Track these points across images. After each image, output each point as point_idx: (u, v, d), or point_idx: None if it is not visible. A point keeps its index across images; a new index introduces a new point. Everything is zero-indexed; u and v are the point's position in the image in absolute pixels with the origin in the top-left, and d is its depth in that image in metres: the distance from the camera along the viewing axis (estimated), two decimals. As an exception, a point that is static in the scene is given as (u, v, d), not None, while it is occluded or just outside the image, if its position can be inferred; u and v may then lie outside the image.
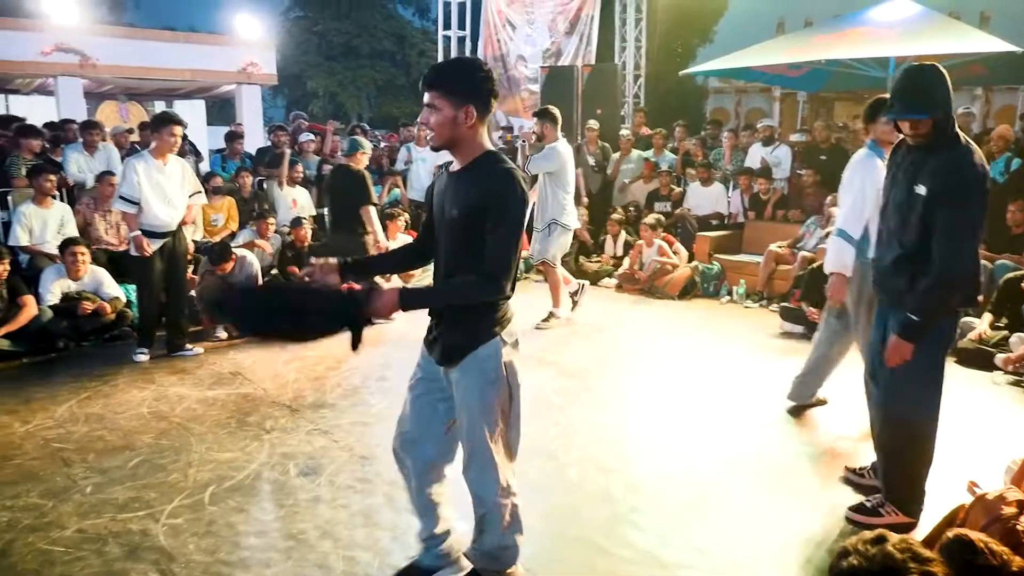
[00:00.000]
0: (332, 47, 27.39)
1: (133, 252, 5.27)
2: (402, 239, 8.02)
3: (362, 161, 6.50)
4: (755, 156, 8.95)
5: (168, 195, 5.34)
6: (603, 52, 12.87)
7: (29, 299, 5.54)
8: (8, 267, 5.50)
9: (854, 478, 3.46)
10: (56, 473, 3.56)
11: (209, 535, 3.01)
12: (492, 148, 2.34)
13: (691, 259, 8.09)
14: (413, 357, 5.33)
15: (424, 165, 9.72)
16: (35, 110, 13.03)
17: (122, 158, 7.32)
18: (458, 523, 2.74)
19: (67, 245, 5.89)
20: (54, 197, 6.46)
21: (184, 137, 5.85)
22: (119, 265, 6.19)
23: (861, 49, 7.87)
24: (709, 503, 3.31)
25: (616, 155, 9.81)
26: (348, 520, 3.14)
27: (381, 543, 2.96)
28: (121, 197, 5.16)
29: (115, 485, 3.43)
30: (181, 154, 5.77)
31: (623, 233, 8.67)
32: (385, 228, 7.99)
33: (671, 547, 2.94)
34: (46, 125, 8.43)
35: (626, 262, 8.15)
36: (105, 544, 2.93)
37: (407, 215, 8.62)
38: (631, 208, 9.14)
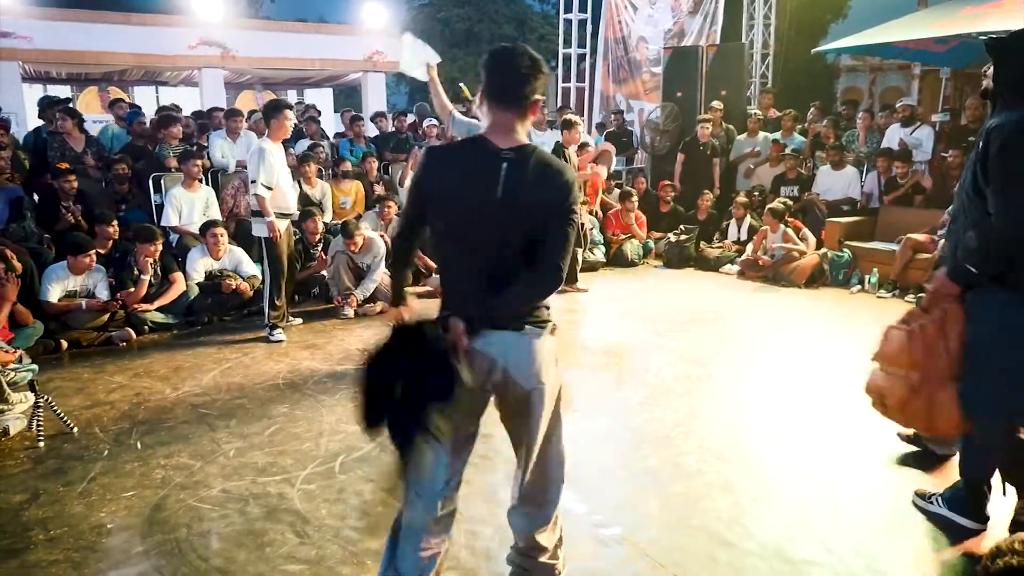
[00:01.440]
0: (455, 33, 27.81)
1: (266, 235, 5.41)
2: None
3: None
4: (893, 137, 8.42)
5: (289, 178, 5.63)
6: (728, 31, 12.44)
7: (178, 276, 5.98)
8: (160, 247, 5.94)
9: None
10: (203, 436, 3.84)
11: (340, 502, 3.16)
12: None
13: (819, 246, 7.74)
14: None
15: (544, 147, 9.76)
16: (182, 100, 13.94)
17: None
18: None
19: (207, 227, 6.29)
20: (200, 181, 6.92)
21: (317, 122, 6.11)
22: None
23: (1017, 20, 7.23)
24: (837, 499, 3.17)
25: (741, 137, 9.49)
26: (470, 495, 3.20)
27: (501, 519, 3.00)
28: (263, 184, 5.36)
29: (255, 450, 3.66)
30: (314, 139, 6.04)
31: (748, 217, 8.40)
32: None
33: (797, 542, 2.84)
34: (194, 114, 9.01)
35: (749, 248, 7.90)
36: (247, 504, 3.13)
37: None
38: (756, 193, 8.83)
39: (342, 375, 4.80)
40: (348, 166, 8.18)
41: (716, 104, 9.74)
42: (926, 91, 23.91)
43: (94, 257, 5.60)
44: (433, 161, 2.22)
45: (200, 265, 6.19)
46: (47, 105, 7.88)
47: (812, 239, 7.71)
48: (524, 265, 2.13)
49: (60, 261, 5.64)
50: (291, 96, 18.00)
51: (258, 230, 5.46)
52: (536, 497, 2.50)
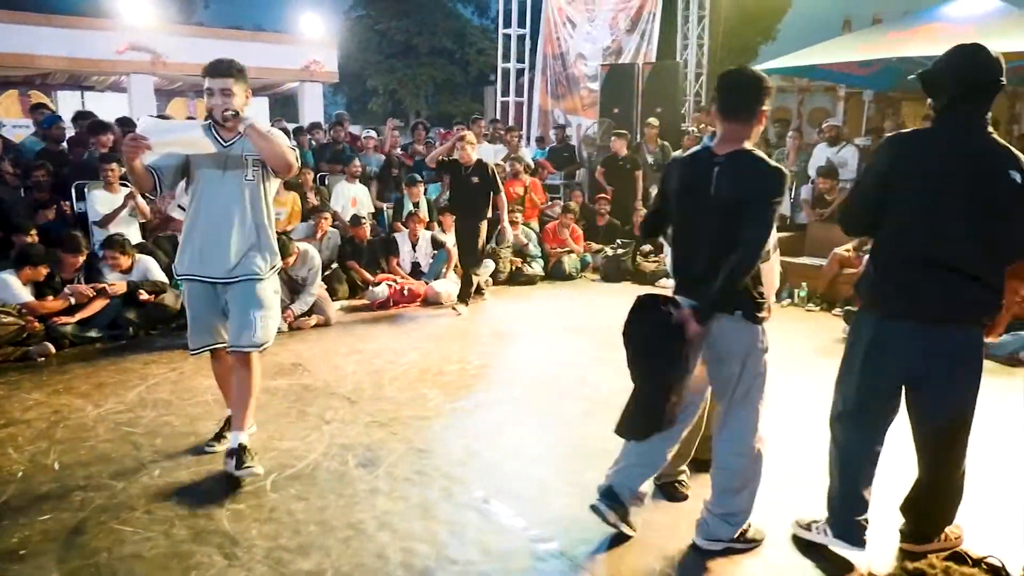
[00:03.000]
0: (392, 45, 27.67)
1: None
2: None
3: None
4: (820, 156, 8.73)
5: None
6: (664, 50, 12.73)
7: (102, 287, 5.74)
8: (85, 257, 5.70)
9: None
10: (126, 456, 3.68)
11: (271, 521, 3.06)
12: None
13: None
14: (473, 351, 5.33)
15: (481, 162, 9.76)
16: (108, 106, 13.51)
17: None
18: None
19: (105, 245, 5.99)
20: (124, 186, 6.67)
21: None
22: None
23: (938, 46, 7.58)
24: (771, 512, 3.22)
25: (677, 153, 9.68)
26: (406, 512, 3.16)
27: (439, 536, 2.97)
28: (179, 206, 5.25)
29: (181, 470, 3.52)
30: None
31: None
32: (440, 223, 8.07)
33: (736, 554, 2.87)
34: (119, 120, 8.69)
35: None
36: (172, 526, 3.01)
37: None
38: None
39: (275, 391, 4.67)
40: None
41: (652, 120, 9.93)
42: (851, 112, 24.91)
43: (43, 274, 5.39)
44: (671, 166, 2.81)
45: (112, 276, 5.95)
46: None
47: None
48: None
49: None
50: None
51: None
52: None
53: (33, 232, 5.73)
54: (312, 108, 16.51)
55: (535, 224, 9.01)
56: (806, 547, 2.89)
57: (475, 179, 6.72)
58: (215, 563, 2.76)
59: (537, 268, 8.41)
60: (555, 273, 8.52)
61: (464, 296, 6.90)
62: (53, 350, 5.36)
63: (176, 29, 16.11)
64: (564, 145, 11.12)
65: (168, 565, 2.74)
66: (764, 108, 2.58)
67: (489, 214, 6.85)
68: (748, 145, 2.60)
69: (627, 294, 7.77)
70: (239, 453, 3.35)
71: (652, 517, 3.14)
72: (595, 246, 9.06)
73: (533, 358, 5.53)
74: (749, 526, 2.83)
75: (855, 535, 2.75)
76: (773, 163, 2.60)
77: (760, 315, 2.69)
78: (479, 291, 7.25)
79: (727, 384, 2.74)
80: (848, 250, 7.19)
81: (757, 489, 2.82)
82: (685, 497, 3.29)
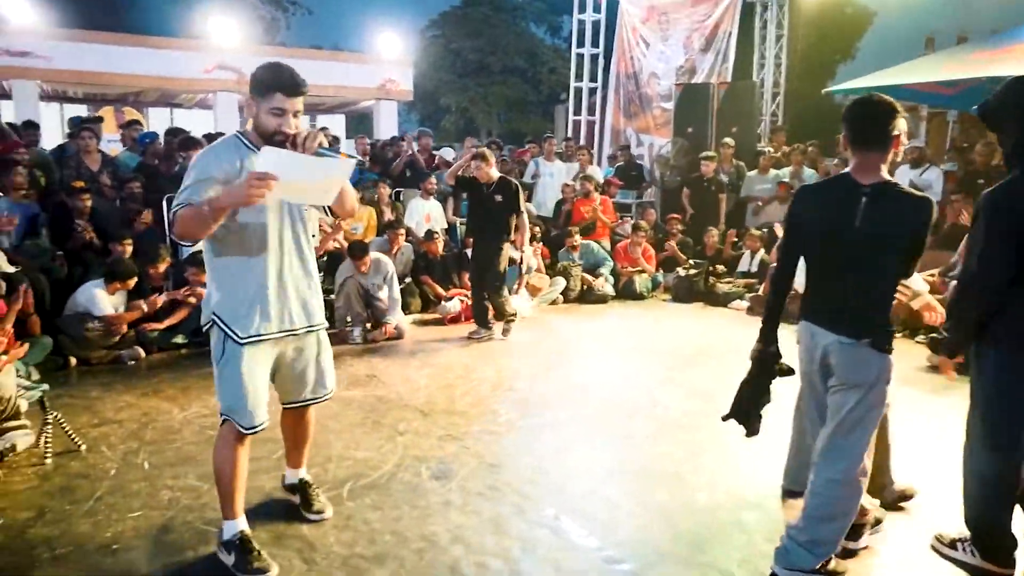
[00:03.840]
0: (466, 64, 28.15)
1: None
2: (527, 251, 8.10)
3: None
4: (902, 179, 8.46)
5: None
6: (740, 69, 12.58)
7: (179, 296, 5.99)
8: (168, 265, 5.97)
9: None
10: (210, 459, 3.78)
11: (348, 529, 3.14)
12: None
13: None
14: (543, 369, 5.35)
15: (551, 180, 9.83)
16: (196, 123, 14.10)
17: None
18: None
19: (188, 263, 6.16)
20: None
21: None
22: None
23: (1029, 67, 7.31)
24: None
25: (752, 173, 9.56)
26: (478, 526, 3.19)
27: (512, 552, 2.99)
28: None
29: (262, 474, 3.63)
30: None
31: (762, 251, 8.42)
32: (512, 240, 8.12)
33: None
34: (207, 136, 9.08)
35: (761, 288, 7.89)
36: (253, 529, 3.08)
37: (535, 227, 8.73)
38: (764, 230, 8.86)
39: (350, 401, 4.79)
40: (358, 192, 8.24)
41: (728, 140, 9.83)
42: (933, 133, 24.03)
43: (131, 286, 5.66)
44: (805, 197, 2.79)
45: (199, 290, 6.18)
46: (79, 124, 7.99)
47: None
48: (881, 286, 2.59)
49: (79, 279, 5.69)
50: (304, 122, 18.17)
51: None
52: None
53: (127, 241, 6.02)
54: (387, 125, 16.89)
55: (606, 243, 8.99)
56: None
57: (498, 197, 6.41)
58: (295, 567, 2.84)
59: (608, 287, 8.38)
60: (626, 292, 8.48)
61: (506, 316, 6.53)
62: (143, 354, 5.62)
63: (259, 50, 16.73)
64: (631, 164, 11.07)
65: None
66: (897, 133, 2.59)
67: (512, 236, 6.54)
68: (884, 171, 2.61)
69: (699, 315, 7.76)
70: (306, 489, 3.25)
71: (724, 544, 3.09)
72: (670, 253, 8.96)
73: (603, 377, 5.52)
74: (831, 559, 2.76)
75: (1003, 556, 2.81)
76: (919, 193, 2.62)
77: (889, 346, 2.65)
78: (508, 319, 6.61)
79: (840, 410, 2.69)
80: (932, 274, 6.94)
81: (848, 524, 2.74)
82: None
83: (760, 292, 7.80)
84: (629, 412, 4.69)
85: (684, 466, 3.85)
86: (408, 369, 5.55)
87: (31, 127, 8.56)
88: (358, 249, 6.42)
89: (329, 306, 6.70)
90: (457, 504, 3.38)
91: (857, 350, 2.62)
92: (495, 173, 6.53)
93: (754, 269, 8.38)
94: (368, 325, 6.44)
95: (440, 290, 7.51)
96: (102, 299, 5.57)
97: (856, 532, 2.90)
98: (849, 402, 2.65)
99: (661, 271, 8.94)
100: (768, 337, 2.91)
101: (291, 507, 3.31)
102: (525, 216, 6.58)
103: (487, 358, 5.89)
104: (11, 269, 5.51)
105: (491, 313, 6.61)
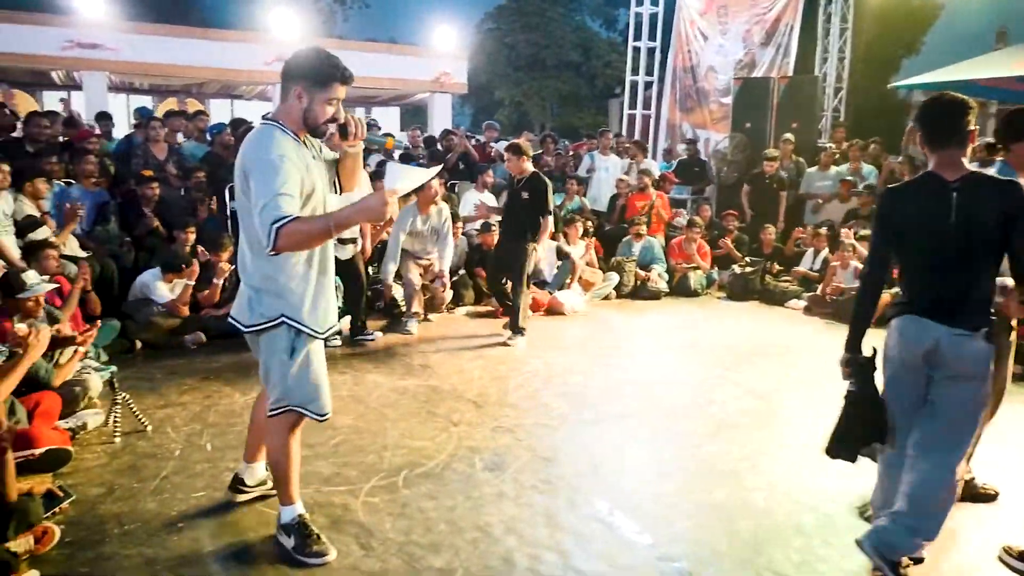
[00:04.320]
0: (520, 58, 28.14)
1: None
2: (580, 246, 8.08)
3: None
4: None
5: (351, 200, 5.73)
6: (802, 63, 12.32)
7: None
8: (233, 249, 6.10)
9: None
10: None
11: (403, 517, 3.18)
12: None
13: (891, 285, 7.52)
14: (596, 363, 5.35)
15: (607, 175, 9.76)
16: (255, 114, 14.38)
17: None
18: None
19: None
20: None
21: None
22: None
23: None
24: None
25: (813, 169, 9.35)
26: (532, 519, 3.20)
27: (565, 545, 2.99)
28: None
29: (320, 460, 3.71)
30: (389, 156, 6.19)
31: (826, 249, 8.24)
32: (565, 234, 8.11)
33: (872, 591, 2.74)
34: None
35: (820, 287, 7.72)
36: (312, 512, 3.15)
37: (588, 222, 8.69)
38: (824, 228, 8.66)
39: (404, 390, 4.84)
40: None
41: (788, 136, 9.63)
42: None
43: (196, 266, 5.81)
44: (894, 198, 2.77)
45: None
46: (147, 116, 8.24)
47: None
48: (984, 277, 2.61)
49: (144, 265, 5.86)
50: (359, 113, 18.41)
51: None
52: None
53: (191, 229, 6.18)
54: (441, 118, 16.99)
55: (661, 238, 8.90)
56: None
57: (524, 194, 6.05)
58: (352, 552, 2.89)
59: (662, 284, 8.30)
60: (680, 289, 8.39)
61: (515, 325, 6.14)
62: (204, 339, 5.76)
63: (317, 42, 16.98)
64: (694, 160, 10.93)
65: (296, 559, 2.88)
66: (973, 128, 2.63)
67: (538, 235, 6.17)
68: (967, 164, 2.65)
69: (754, 314, 7.63)
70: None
71: (781, 546, 3.04)
72: (726, 250, 8.83)
73: (657, 374, 5.47)
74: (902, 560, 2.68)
75: None
76: (1004, 178, 2.68)
77: (995, 338, 2.64)
78: (517, 329, 6.17)
79: (949, 402, 2.66)
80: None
81: (945, 518, 2.68)
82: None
83: (819, 292, 7.63)
84: (684, 410, 4.64)
85: (741, 465, 3.80)
86: (461, 360, 5.58)
87: (104, 118, 8.86)
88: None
89: (376, 296, 6.85)
90: (511, 496, 3.39)
91: (972, 342, 2.60)
92: (528, 167, 6.16)
93: (817, 267, 8.19)
94: (422, 310, 6.54)
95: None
96: (160, 287, 5.71)
97: None
98: (961, 394, 2.64)
99: (716, 268, 8.81)
100: (859, 344, 2.86)
101: (349, 492, 3.37)
102: (550, 219, 6.19)
103: (539, 352, 5.89)
104: (83, 254, 5.73)
105: (502, 312, 6.50)
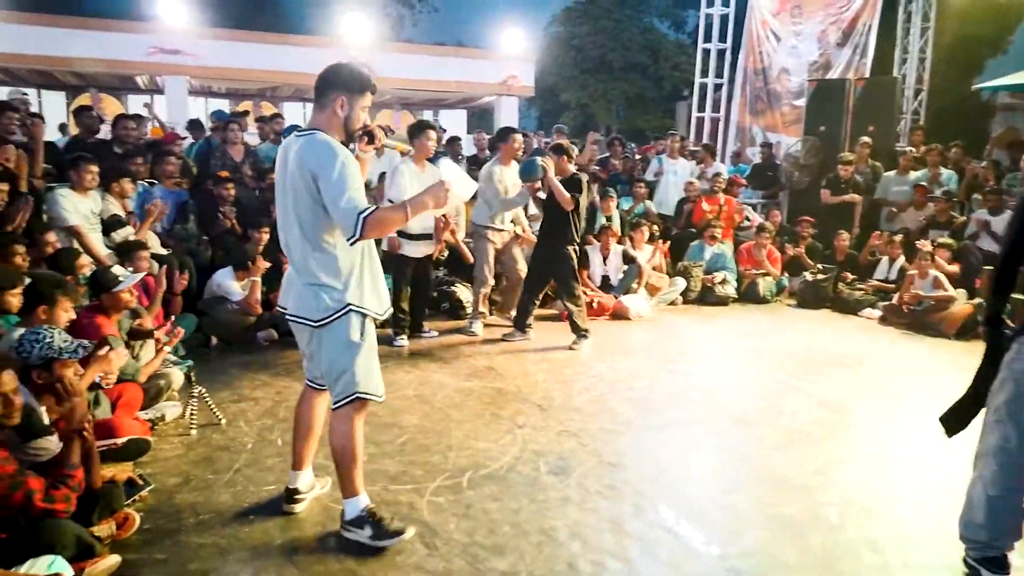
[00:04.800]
0: (587, 60, 28.04)
1: (384, 248, 5.77)
2: (647, 250, 7.99)
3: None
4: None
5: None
6: (880, 65, 11.92)
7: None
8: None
9: None
10: (338, 440, 3.97)
11: (467, 518, 3.19)
12: None
13: (973, 295, 7.22)
14: (662, 369, 5.28)
15: (675, 178, 9.62)
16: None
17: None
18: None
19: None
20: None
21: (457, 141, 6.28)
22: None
23: None
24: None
25: (890, 174, 9.04)
26: (596, 524, 3.17)
27: (630, 552, 2.96)
28: (388, 200, 5.62)
29: (386, 458, 3.75)
30: (455, 158, 6.25)
31: (902, 258, 7.95)
32: (631, 238, 8.04)
33: (954, 614, 2.63)
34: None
35: (896, 296, 7.45)
36: (378, 510, 3.20)
37: (655, 226, 8.59)
38: (900, 236, 8.35)
39: (469, 391, 4.87)
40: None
41: (866, 139, 9.33)
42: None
43: (263, 261, 5.97)
44: None
45: None
46: (223, 118, 8.52)
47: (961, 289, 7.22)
48: None
49: (220, 263, 6.05)
50: (427, 116, 18.64)
51: (384, 243, 5.80)
52: None
53: (265, 229, 6.34)
54: (507, 121, 16.99)
55: (729, 243, 8.73)
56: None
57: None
58: (417, 551, 2.92)
59: (730, 289, 8.15)
60: (748, 295, 8.22)
61: (576, 329, 6.07)
62: (276, 335, 5.91)
63: (388, 47, 17.30)
64: (769, 164, 10.67)
65: (375, 546, 2.92)
66: None
67: (576, 237, 6.05)
68: None
69: (826, 322, 7.43)
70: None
71: (856, 563, 2.93)
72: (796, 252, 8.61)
73: (724, 381, 5.36)
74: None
75: None
76: None
77: None
78: (580, 332, 6.08)
79: None
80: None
81: None
82: None
83: (895, 301, 7.36)
84: (753, 419, 4.54)
85: (813, 479, 3.69)
86: (526, 363, 5.58)
87: (196, 127, 9.17)
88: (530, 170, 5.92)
89: (443, 297, 6.92)
90: (575, 500, 3.37)
91: None
92: (570, 168, 6.03)
93: (893, 276, 7.91)
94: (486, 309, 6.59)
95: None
96: (232, 285, 5.86)
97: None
98: None
99: (786, 275, 8.60)
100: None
101: (414, 491, 3.40)
102: (581, 223, 6.07)
103: (604, 356, 5.84)
104: (163, 252, 5.94)
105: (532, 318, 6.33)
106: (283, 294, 3.03)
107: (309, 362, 3.07)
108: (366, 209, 2.66)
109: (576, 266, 6.13)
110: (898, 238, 8.07)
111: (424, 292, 6.25)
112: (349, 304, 2.82)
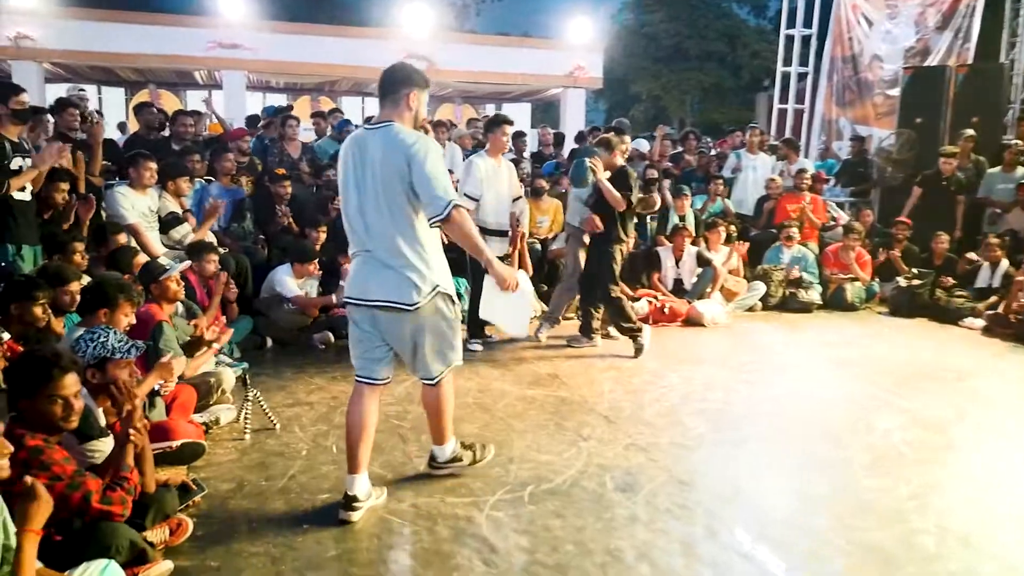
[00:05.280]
0: (660, 49, 27.79)
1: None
2: (723, 252, 7.86)
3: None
4: None
5: (500, 194, 5.84)
6: (982, 50, 11.45)
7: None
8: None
9: None
10: (395, 448, 4.03)
11: (528, 534, 3.18)
12: None
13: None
14: (739, 380, 5.20)
15: (755, 174, 9.43)
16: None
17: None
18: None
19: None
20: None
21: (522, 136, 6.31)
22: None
23: None
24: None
25: (995, 170, 8.66)
26: (666, 546, 3.12)
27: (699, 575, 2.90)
28: (465, 194, 5.66)
29: (443, 468, 3.77)
30: (519, 155, 6.26)
31: (1005, 262, 7.63)
32: (706, 239, 7.92)
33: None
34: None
35: (1002, 305, 7.14)
36: (435, 523, 3.23)
37: (732, 226, 8.42)
38: (1006, 238, 8.01)
39: (532, 400, 4.87)
40: (544, 183, 8.25)
41: (969, 132, 8.96)
42: None
43: (317, 266, 6.09)
44: None
45: None
46: (273, 114, 8.72)
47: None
48: None
49: (276, 262, 6.20)
50: (489, 110, 18.74)
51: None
52: None
53: (322, 228, 6.49)
54: (574, 114, 17.00)
55: (813, 245, 8.51)
56: None
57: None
58: (475, 568, 2.92)
59: (814, 295, 7.95)
60: (835, 302, 8.00)
61: (626, 330, 6.02)
62: (332, 339, 6.02)
63: (450, 37, 17.47)
64: (859, 159, 10.35)
65: (432, 562, 2.95)
66: None
67: (625, 236, 6.05)
68: None
69: (922, 332, 7.18)
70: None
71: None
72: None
73: (808, 394, 5.23)
74: None
75: None
76: None
77: None
78: (633, 337, 6.00)
79: None
80: None
81: None
82: None
83: (1001, 310, 7.05)
84: (839, 436, 4.40)
85: (907, 504, 3.55)
86: (592, 371, 5.55)
87: (254, 123, 9.43)
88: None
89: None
90: (644, 519, 3.33)
91: None
92: (618, 162, 5.98)
93: (996, 284, 7.59)
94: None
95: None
96: (290, 283, 6.01)
97: None
98: None
99: (877, 280, 8.33)
100: None
101: (472, 504, 3.41)
102: (631, 219, 6.04)
103: (676, 365, 5.77)
104: (220, 251, 6.10)
105: (598, 323, 6.27)
106: (357, 284, 3.24)
107: (396, 345, 3.31)
108: (457, 203, 3.06)
109: (618, 267, 6.08)
110: (996, 240, 7.74)
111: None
112: (437, 286, 3.19)
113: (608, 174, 5.86)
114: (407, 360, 3.34)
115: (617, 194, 5.77)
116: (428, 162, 3.04)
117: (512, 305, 3.57)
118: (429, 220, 3.10)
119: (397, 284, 3.12)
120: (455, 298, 3.35)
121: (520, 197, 6.21)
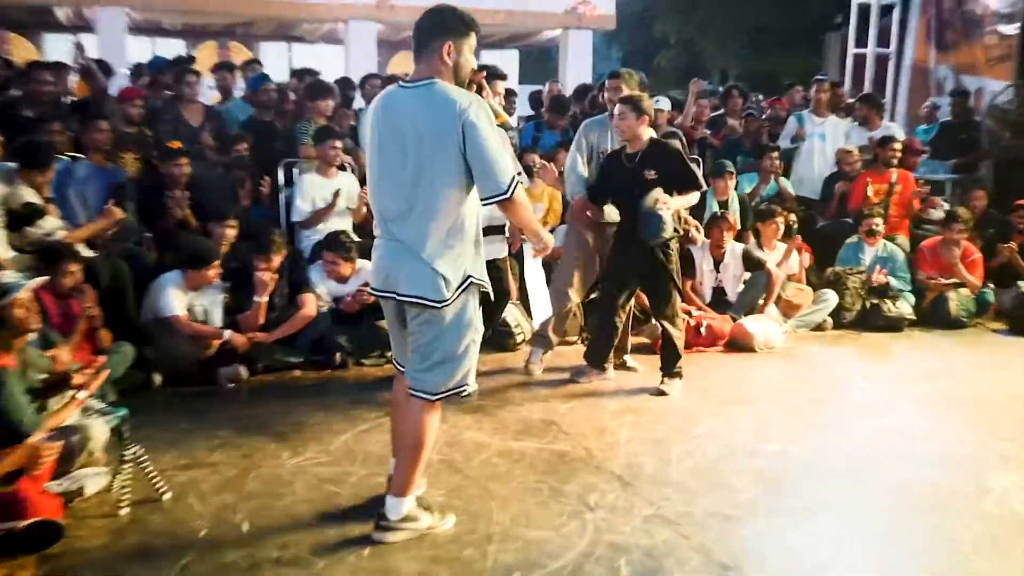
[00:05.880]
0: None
1: None
2: (779, 250, 7.87)
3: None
4: None
5: None
6: None
7: (309, 298, 6.35)
8: (285, 252, 6.33)
9: None
10: (330, 523, 3.99)
11: (513, 642, 3.16)
12: None
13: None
14: (800, 425, 5.21)
15: (822, 144, 9.49)
16: (321, 62, 14.94)
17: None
18: None
19: (328, 247, 6.62)
20: (342, 168, 7.33)
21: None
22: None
23: None
24: None
25: None
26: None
27: None
28: None
29: (396, 552, 3.73)
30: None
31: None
32: (756, 231, 7.93)
33: None
34: (339, 82, 9.57)
35: None
36: (384, 630, 3.20)
37: (791, 215, 8.41)
38: None
39: (520, 456, 4.86)
40: (535, 160, 8.20)
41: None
42: None
43: (219, 271, 6.05)
44: None
45: (323, 288, 6.59)
46: (163, 66, 8.71)
47: None
48: None
49: (168, 268, 6.16)
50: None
51: None
52: None
53: (232, 222, 6.45)
54: (578, 64, 17.06)
55: (904, 240, 8.56)
56: None
57: (650, 173, 5.71)
58: None
59: (905, 307, 7.99)
60: (934, 316, 8.10)
61: (671, 365, 6.08)
62: (245, 375, 6.00)
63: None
64: (964, 122, 10.42)
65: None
66: None
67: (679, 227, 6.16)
68: None
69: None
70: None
71: None
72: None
73: (895, 444, 5.26)
74: None
75: None
76: None
77: None
78: (674, 371, 6.11)
79: None
80: None
81: None
82: None
83: None
84: (940, 502, 4.43)
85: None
86: (601, 415, 5.56)
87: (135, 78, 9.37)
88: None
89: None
90: (673, 620, 3.32)
91: None
92: (646, 134, 5.84)
93: None
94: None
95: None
96: (173, 296, 5.91)
97: None
98: None
99: (991, 286, 8.39)
100: None
101: (436, 603, 3.37)
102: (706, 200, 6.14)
103: (716, 405, 5.82)
104: (89, 253, 6.02)
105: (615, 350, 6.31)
106: (381, 274, 3.69)
107: (415, 339, 3.67)
108: (515, 176, 3.47)
109: (678, 269, 6.08)
110: None
111: (495, 313, 6.45)
112: (470, 276, 3.59)
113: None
114: (410, 357, 3.73)
115: (695, 195, 6.03)
116: (486, 130, 3.39)
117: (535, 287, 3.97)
118: (484, 198, 3.48)
119: (422, 279, 3.51)
120: (490, 291, 3.76)
121: (520, 173, 6.20)
